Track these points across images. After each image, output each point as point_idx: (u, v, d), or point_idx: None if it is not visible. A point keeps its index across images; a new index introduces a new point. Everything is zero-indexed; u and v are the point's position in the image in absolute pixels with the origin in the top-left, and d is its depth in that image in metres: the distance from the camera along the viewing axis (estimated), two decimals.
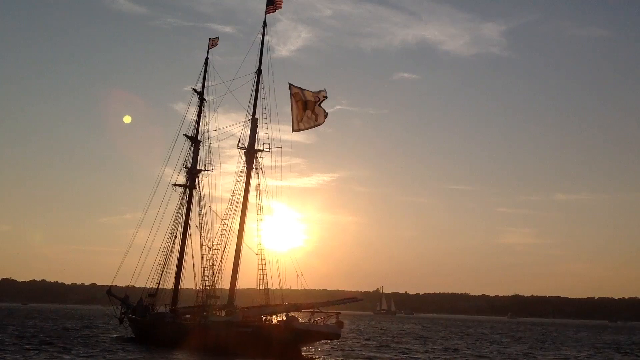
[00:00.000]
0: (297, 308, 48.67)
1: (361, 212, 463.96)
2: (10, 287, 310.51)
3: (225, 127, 57.54)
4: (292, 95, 50.83)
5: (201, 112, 59.99)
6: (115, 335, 63.27)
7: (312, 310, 47.66)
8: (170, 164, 60.12)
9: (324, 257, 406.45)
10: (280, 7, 52.98)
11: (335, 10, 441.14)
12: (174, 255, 59.48)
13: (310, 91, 50.40)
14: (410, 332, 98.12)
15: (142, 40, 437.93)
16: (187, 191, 59.88)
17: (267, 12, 53.33)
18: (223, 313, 51.96)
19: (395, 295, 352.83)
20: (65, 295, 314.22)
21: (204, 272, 55.27)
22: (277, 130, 53.38)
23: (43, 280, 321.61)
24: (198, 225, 58.96)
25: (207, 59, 60.43)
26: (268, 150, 52.82)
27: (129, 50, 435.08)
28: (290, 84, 51.09)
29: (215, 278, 54.12)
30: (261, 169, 52.67)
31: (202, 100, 60.12)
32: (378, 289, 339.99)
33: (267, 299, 51.89)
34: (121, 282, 67.69)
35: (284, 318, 47.34)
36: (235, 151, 54.39)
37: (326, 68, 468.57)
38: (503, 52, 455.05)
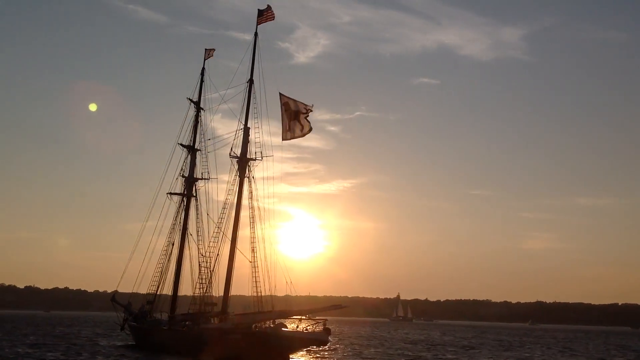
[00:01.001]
0: (287, 315, 49.06)
1: (381, 218, 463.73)
2: (34, 294, 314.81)
3: (220, 135, 58.22)
4: (283, 104, 51.43)
5: (197, 122, 60.88)
6: (120, 343, 64.16)
7: (299, 318, 48.07)
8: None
9: (344, 263, 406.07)
10: (273, 19, 53.70)
11: (354, 16, 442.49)
12: (172, 262, 60.36)
13: (298, 102, 50.97)
14: (447, 341, 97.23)
15: (161, 48, 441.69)
16: (185, 199, 60.76)
17: (258, 22, 54.04)
18: (217, 320, 52.70)
19: (415, 302, 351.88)
20: (88, 303, 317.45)
21: (200, 279, 56.03)
22: (276, 136, 53.67)
23: (66, 288, 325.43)
24: (195, 233, 59.85)
25: (203, 69, 61.49)
26: (260, 159, 53.39)
27: (148, 58, 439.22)
28: (280, 94, 51.74)
29: (209, 285, 54.86)
30: (253, 177, 53.26)
31: (198, 110, 61.05)
32: (398, 295, 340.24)
33: (261, 306, 52.42)
34: (129, 288, 68.83)
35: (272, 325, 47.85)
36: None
37: (345, 74, 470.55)
38: (523, 56, 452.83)
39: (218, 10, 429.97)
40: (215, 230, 54.17)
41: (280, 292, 54.54)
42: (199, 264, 58.23)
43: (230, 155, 53.63)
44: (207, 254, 55.07)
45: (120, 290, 67.18)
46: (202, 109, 61.68)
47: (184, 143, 60.20)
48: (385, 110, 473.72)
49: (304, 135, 51.59)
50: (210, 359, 47.06)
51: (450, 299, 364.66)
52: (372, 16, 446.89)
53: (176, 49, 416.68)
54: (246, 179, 53.62)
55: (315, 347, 49.58)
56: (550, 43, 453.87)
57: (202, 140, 60.42)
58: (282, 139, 51.97)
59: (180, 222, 60.69)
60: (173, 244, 60.26)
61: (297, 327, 47.66)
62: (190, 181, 60.71)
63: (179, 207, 60.52)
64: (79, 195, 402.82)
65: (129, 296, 69.16)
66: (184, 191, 60.73)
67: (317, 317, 48.98)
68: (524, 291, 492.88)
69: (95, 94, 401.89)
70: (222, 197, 59.30)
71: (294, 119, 51.27)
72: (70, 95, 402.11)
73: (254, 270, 53.19)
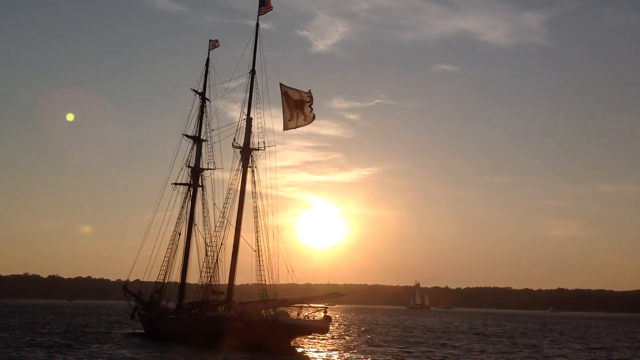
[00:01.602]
0: (288, 303, 49.56)
1: (401, 206, 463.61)
2: (57, 283, 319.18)
3: (224, 126, 58.62)
4: (283, 94, 51.79)
5: (203, 112, 61.41)
6: (131, 331, 65.13)
7: (300, 305, 48.54)
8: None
9: (365, 252, 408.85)
10: (272, 9, 54.03)
11: (373, 3, 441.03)
12: (178, 251, 61.14)
13: (298, 91, 51.27)
14: (451, 328, 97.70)
15: (181, 38, 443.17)
16: (191, 189, 61.44)
17: (259, 13, 54.38)
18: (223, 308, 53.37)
19: (435, 289, 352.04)
20: (111, 291, 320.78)
21: (207, 268, 56.69)
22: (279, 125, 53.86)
23: (89, 277, 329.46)
24: (201, 223, 60.61)
25: (207, 59, 61.90)
26: (263, 148, 53.85)
27: (167, 48, 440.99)
28: (281, 84, 52.12)
29: (214, 273, 55.60)
30: (256, 167, 53.74)
31: (203, 101, 61.57)
32: (418, 283, 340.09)
33: (264, 295, 52.98)
34: (142, 277, 69.77)
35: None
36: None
37: (364, 62, 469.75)
38: (544, 42, 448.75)
39: None
40: (220, 219, 54.79)
41: (283, 280, 55.03)
42: (206, 252, 58.96)
43: (233, 145, 54.19)
44: (212, 242, 55.73)
45: (136, 279, 68.46)
46: (208, 99, 62.21)
47: (189, 134, 60.72)
48: (404, 97, 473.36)
49: (307, 123, 51.93)
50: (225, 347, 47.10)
51: (470, 286, 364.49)
52: (391, 3, 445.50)
53: (195, 39, 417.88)
54: (249, 169, 54.09)
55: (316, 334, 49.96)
56: (571, 28, 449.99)
57: (208, 130, 60.97)
58: (284, 129, 52.42)
59: (187, 212, 61.36)
60: (180, 234, 60.95)
61: (298, 314, 48.07)
62: (196, 171, 61.31)
63: (186, 197, 61.17)
64: (101, 185, 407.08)
65: (140, 285, 70.18)
66: (190, 181, 61.33)
67: (317, 305, 49.28)
68: (545, 278, 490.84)
69: (107, 88, 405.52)
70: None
71: (297, 108, 51.56)
72: (84, 92, 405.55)
73: (258, 259, 53.65)
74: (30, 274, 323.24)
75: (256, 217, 53.69)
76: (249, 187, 53.99)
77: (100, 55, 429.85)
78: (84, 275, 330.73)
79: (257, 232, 53.52)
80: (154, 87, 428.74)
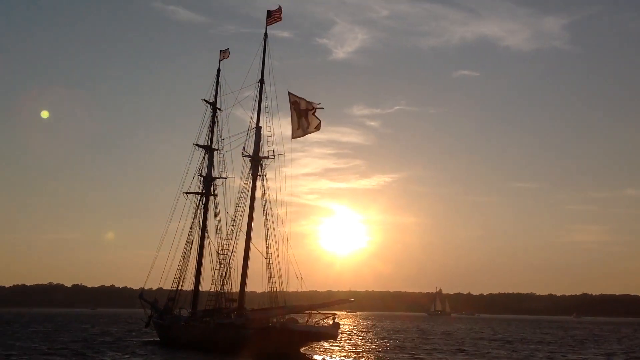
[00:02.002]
0: (297, 310, 49.87)
1: (423, 212, 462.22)
2: (81, 292, 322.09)
3: (235, 134, 59.10)
4: (291, 103, 52.29)
5: (214, 122, 62.14)
6: (146, 339, 65.81)
7: (310, 312, 48.86)
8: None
9: (386, 258, 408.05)
10: (280, 20, 54.59)
11: (392, 10, 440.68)
12: (191, 259, 61.85)
13: (306, 100, 51.79)
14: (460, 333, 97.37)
15: (202, 48, 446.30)
16: (204, 198, 62.12)
17: (267, 23, 54.98)
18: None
19: (458, 296, 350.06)
20: (134, 300, 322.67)
21: (220, 275, 57.27)
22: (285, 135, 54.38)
23: (112, 286, 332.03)
24: (213, 231, 61.28)
25: (218, 70, 62.70)
26: (273, 157, 54.30)
27: (190, 59, 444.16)
28: (289, 93, 52.62)
29: (226, 281, 56.22)
30: (265, 175, 54.24)
31: (215, 110, 62.29)
32: (440, 289, 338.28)
33: (275, 302, 53.36)
34: (158, 286, 70.60)
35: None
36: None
37: (384, 69, 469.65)
38: (566, 46, 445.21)
39: (256, 8, 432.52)
40: (230, 227, 55.44)
41: (293, 288, 55.30)
42: (219, 261, 59.55)
43: (242, 154, 54.78)
44: (223, 250, 56.37)
45: (151, 287, 69.42)
46: (219, 109, 62.86)
47: (200, 143, 61.46)
48: (425, 104, 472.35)
49: (313, 132, 52.39)
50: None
51: (493, 292, 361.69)
52: (411, 10, 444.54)
53: (215, 49, 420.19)
54: (259, 177, 54.60)
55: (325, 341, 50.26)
56: (593, 32, 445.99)
57: (219, 139, 61.68)
58: (292, 137, 52.84)
59: (199, 221, 62.05)
60: (192, 242, 61.59)
61: (307, 321, 48.39)
62: (208, 180, 61.99)
63: (198, 205, 61.87)
64: (123, 195, 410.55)
65: (155, 293, 70.92)
66: (202, 190, 62.01)
67: (326, 312, 49.54)
68: (569, 284, 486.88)
69: (128, 96, 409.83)
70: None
71: (303, 116, 52.09)
72: (107, 103, 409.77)
73: (269, 266, 54.06)
74: (55, 283, 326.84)
75: (266, 224, 54.13)
76: (259, 195, 54.46)
77: (116, 65, 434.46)
78: (107, 284, 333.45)
79: (267, 239, 53.95)
80: (175, 96, 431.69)
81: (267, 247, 53.95)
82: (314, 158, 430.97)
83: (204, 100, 61.58)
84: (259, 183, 54.68)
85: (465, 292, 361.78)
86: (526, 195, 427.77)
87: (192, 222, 62.03)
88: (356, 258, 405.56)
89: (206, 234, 62.22)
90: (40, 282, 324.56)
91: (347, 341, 69.28)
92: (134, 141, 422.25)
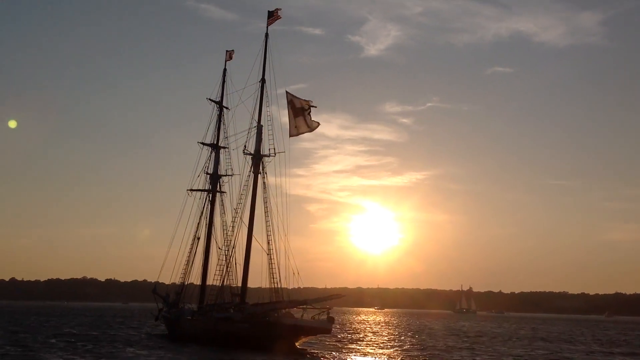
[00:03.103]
0: (293, 305, 50.77)
1: (456, 210, 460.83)
2: (114, 287, 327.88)
3: (241, 132, 60.19)
4: (288, 102, 53.35)
5: (221, 120, 63.48)
6: (157, 333, 67.67)
7: (304, 307, 49.81)
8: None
9: (419, 256, 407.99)
10: (280, 17, 55.67)
11: (425, 6, 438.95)
12: (197, 255, 63.51)
13: (300, 99, 52.82)
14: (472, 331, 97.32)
15: (234, 46, 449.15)
16: (210, 195, 63.56)
17: (268, 24, 56.06)
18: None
19: (488, 294, 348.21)
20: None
21: (221, 269, 58.74)
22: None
23: (144, 280, 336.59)
24: (219, 227, 62.77)
25: (224, 70, 63.97)
26: (274, 155, 55.34)
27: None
28: (287, 92, 53.74)
29: (230, 275, 57.73)
30: (266, 172, 55.32)
31: (221, 109, 63.63)
32: (470, 287, 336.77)
33: (276, 296, 54.44)
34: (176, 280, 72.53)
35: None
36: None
37: (416, 66, 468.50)
38: (601, 42, 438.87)
39: (288, 6, 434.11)
40: (232, 223, 56.82)
41: (295, 284, 56.25)
42: (225, 256, 61.03)
43: (244, 152, 55.97)
44: (226, 244, 57.96)
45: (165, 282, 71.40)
46: (227, 107, 64.10)
47: (206, 141, 62.82)
48: (458, 100, 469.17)
49: (310, 130, 53.39)
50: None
51: (525, 291, 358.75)
52: (444, 6, 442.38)
53: (249, 46, 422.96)
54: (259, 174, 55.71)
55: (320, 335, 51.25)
56: (629, 27, 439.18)
57: (225, 137, 63.01)
58: (290, 135, 53.88)
59: (206, 217, 63.55)
60: (199, 238, 63.18)
61: (302, 316, 49.41)
62: (215, 177, 63.39)
63: (204, 202, 63.35)
64: (156, 190, 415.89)
65: (168, 287, 72.80)
66: (209, 187, 63.44)
67: (318, 307, 50.41)
68: (602, 283, 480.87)
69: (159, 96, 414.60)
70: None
71: (299, 115, 53.10)
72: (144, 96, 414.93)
73: (270, 262, 55.11)
74: (89, 277, 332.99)
75: (267, 220, 55.19)
76: (260, 192, 55.56)
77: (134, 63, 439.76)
78: (140, 279, 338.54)
79: (268, 236, 55.01)
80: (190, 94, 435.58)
81: (268, 242, 55.00)
82: (345, 155, 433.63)
83: (210, 99, 62.90)
84: (260, 180, 55.76)
85: (496, 290, 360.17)
86: (560, 193, 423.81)
87: (199, 219, 63.54)
88: (389, 256, 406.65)
89: (213, 230, 63.67)
90: (75, 277, 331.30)
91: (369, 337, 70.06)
92: (168, 140, 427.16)
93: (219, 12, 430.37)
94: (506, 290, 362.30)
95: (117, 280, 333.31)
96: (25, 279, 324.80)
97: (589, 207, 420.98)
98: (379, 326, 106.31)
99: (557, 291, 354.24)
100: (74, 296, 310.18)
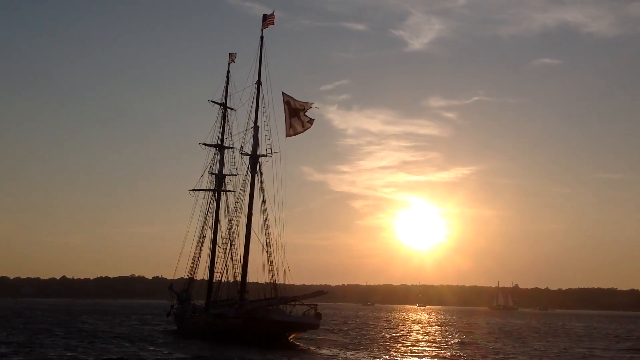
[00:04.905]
0: (286, 301, 51.99)
1: (503, 205, 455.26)
2: (161, 284, 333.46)
3: (243, 131, 61.59)
4: (285, 103, 54.61)
5: (225, 121, 65.10)
6: (170, 328, 69.90)
7: (294, 303, 51.04)
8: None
9: (465, 253, 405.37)
10: (273, 23, 56.99)
11: None
12: (203, 252, 65.54)
13: (299, 101, 54.04)
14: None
15: (279, 43, 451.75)
16: (216, 194, 65.33)
17: (263, 27, 57.34)
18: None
19: (535, 290, 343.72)
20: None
21: (224, 267, 60.82)
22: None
23: (190, 278, 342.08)
24: (224, 225, 64.54)
25: (228, 72, 65.54)
26: (271, 154, 56.67)
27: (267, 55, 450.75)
28: (283, 93, 55.01)
29: (227, 272, 59.70)
30: (261, 171, 56.75)
31: (225, 110, 65.21)
32: (516, 284, 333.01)
33: (275, 292, 55.82)
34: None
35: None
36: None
37: (460, 59, 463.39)
38: None
39: (330, 2, 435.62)
40: (230, 221, 58.70)
41: (299, 281, 57.65)
42: (231, 255, 62.96)
43: (240, 152, 57.55)
44: (225, 242, 59.88)
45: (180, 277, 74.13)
46: (233, 109, 65.46)
47: (211, 142, 64.50)
48: (504, 94, 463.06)
49: (304, 130, 54.61)
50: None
51: (572, 287, 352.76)
52: None
53: (293, 44, 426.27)
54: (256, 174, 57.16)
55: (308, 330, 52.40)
56: None
57: (230, 137, 64.65)
58: (286, 136, 55.19)
59: (212, 216, 65.40)
60: (204, 237, 65.22)
61: (291, 312, 50.70)
62: (220, 177, 65.08)
63: (209, 202, 65.18)
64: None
65: (184, 283, 75.21)
66: (214, 187, 65.20)
67: (307, 303, 51.60)
68: None
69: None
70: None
71: (294, 115, 54.33)
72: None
73: (269, 260, 56.48)
74: (137, 275, 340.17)
75: (265, 219, 56.55)
76: (257, 191, 56.97)
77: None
78: (186, 276, 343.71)
79: (266, 233, 56.35)
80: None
81: (266, 240, 56.32)
82: (390, 151, 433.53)
83: (212, 101, 64.52)
84: (257, 180, 57.18)
85: (542, 286, 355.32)
86: (611, 187, 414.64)
87: (205, 218, 65.55)
88: (435, 252, 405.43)
89: (219, 228, 65.44)
90: (123, 274, 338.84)
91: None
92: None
93: (262, 9, 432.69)
94: (553, 287, 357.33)
95: (164, 278, 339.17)
96: (75, 277, 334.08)
97: (639, 201, 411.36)
98: (391, 323, 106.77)
99: (605, 287, 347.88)
100: (122, 294, 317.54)
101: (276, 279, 56.30)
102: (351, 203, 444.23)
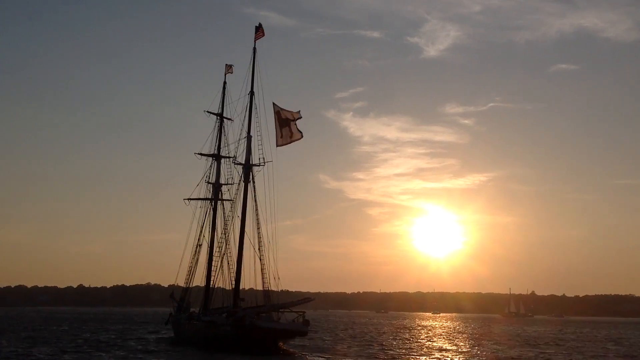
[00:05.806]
0: (275, 308, 52.74)
1: (521, 211, 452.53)
2: (176, 292, 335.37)
3: (238, 140, 62.49)
4: (275, 113, 55.56)
5: (221, 131, 66.06)
6: (167, 336, 71.04)
7: (283, 310, 51.83)
8: None
9: (482, 260, 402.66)
10: (263, 35, 58.04)
11: (485, 5, 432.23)
12: (200, 261, 66.59)
13: (287, 111, 54.96)
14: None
15: (294, 52, 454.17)
16: (212, 203, 66.30)
17: (255, 38, 58.38)
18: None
19: (551, 297, 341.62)
20: (220, 299, 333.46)
21: (217, 274, 61.96)
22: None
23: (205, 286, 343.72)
24: (222, 234, 65.47)
25: (224, 83, 66.48)
26: (263, 164, 57.54)
27: (283, 63, 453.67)
28: (274, 104, 56.03)
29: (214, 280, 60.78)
30: (253, 180, 57.62)
31: (222, 120, 66.18)
32: (533, 291, 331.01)
33: (268, 300, 56.59)
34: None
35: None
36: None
37: (477, 65, 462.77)
38: None
39: (345, 10, 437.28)
40: (223, 229, 59.62)
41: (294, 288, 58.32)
42: (227, 262, 64.13)
43: (234, 162, 58.50)
44: (220, 249, 60.91)
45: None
46: (230, 119, 66.33)
47: (207, 152, 65.45)
48: (521, 100, 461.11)
49: (294, 140, 55.54)
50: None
51: (589, 294, 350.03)
52: (504, 4, 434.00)
53: (309, 52, 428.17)
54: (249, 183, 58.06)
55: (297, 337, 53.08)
56: None
57: (226, 146, 65.56)
58: (277, 145, 56.10)
59: (209, 225, 66.43)
60: (200, 245, 66.25)
61: (279, 319, 51.45)
62: (216, 186, 66.04)
63: (206, 210, 66.17)
64: None
65: (182, 292, 76.20)
66: (211, 196, 66.17)
67: (295, 310, 52.35)
68: None
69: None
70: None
71: (285, 125, 55.26)
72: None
73: (262, 267, 57.33)
74: (153, 283, 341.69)
75: (258, 228, 57.40)
76: (250, 201, 57.86)
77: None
78: (202, 285, 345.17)
79: (259, 241, 57.20)
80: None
81: (259, 248, 57.20)
82: (406, 158, 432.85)
83: (208, 112, 65.48)
84: (250, 189, 58.07)
85: (559, 293, 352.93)
86: (630, 193, 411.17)
87: (202, 226, 66.57)
88: (452, 260, 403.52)
89: (216, 236, 66.42)
90: (139, 283, 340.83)
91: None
92: None
93: (280, 18, 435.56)
94: (570, 294, 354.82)
95: (179, 286, 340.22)
96: (92, 285, 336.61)
97: None
98: (392, 329, 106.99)
99: (622, 294, 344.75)
100: (138, 302, 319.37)
101: (269, 286, 57.19)
102: (367, 210, 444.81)
